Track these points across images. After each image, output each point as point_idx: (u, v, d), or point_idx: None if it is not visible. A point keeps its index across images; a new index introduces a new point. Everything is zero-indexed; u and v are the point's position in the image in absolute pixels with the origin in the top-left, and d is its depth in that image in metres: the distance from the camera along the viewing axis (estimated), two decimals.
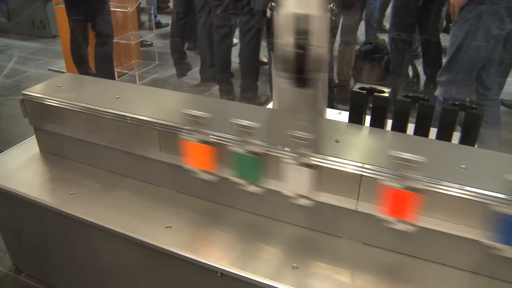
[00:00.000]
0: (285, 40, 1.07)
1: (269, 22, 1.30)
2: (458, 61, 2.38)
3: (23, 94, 1.51)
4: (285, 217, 1.22)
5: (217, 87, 3.67)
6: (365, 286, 1.03)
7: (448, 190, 0.97)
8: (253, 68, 3.33)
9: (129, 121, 1.31)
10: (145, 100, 1.42)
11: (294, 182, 1.10)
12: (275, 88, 1.47)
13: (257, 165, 1.12)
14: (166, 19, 5.90)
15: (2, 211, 1.56)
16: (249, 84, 3.37)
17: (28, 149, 1.63)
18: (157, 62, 4.24)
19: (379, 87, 1.36)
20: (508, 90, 3.31)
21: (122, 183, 1.42)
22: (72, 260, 1.47)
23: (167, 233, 1.20)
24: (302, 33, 1.07)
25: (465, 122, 1.27)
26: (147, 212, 1.28)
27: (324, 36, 1.02)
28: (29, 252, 1.61)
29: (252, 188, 1.15)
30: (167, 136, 1.26)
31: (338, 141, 1.16)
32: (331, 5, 1.22)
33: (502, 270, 1.02)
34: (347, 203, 1.10)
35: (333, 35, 1.26)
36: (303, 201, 1.11)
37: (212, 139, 1.17)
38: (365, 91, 1.35)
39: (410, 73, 3.59)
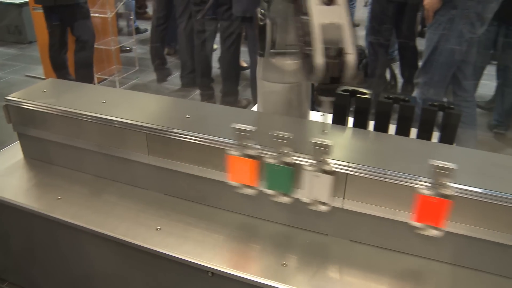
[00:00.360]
0: (317, 50, 1.03)
1: (262, 29, 1.33)
2: (433, 63, 2.46)
3: (7, 99, 1.50)
4: (272, 217, 1.25)
5: (197, 92, 3.69)
6: (353, 281, 1.06)
7: (426, 187, 1.02)
8: (233, 72, 3.36)
9: (116, 125, 1.32)
10: (131, 104, 1.43)
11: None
12: (260, 92, 1.50)
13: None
14: (144, 25, 5.89)
15: None
16: (230, 89, 3.39)
17: (11, 156, 1.62)
18: (137, 67, 4.23)
19: (361, 89, 1.41)
20: (480, 93, 3.43)
21: (110, 187, 1.42)
22: (60, 265, 1.46)
23: (157, 235, 1.21)
24: (333, 42, 1.01)
25: (443, 122, 1.32)
26: (136, 215, 1.29)
27: (352, 43, 1.02)
28: (13, 260, 1.60)
29: (247, 191, 1.18)
30: (155, 139, 1.28)
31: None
32: None
33: None
34: (334, 201, 1.13)
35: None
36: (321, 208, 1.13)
37: (206, 143, 1.19)
38: (348, 93, 1.39)
39: (388, 76, 3.67)
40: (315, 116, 1.71)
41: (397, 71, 3.71)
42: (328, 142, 1.05)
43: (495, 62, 3.50)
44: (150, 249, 1.17)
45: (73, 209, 1.32)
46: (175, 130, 1.24)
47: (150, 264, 1.23)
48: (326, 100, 1.03)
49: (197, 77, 3.54)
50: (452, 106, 1.29)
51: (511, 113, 3.12)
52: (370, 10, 3.45)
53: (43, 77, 3.89)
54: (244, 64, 4.22)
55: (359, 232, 1.17)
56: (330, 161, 1.08)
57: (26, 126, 1.52)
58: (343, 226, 1.17)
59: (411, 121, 1.34)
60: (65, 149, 1.48)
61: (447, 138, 1.31)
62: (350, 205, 1.12)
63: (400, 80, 3.68)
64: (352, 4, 4.86)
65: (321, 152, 1.06)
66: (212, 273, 1.13)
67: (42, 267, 1.52)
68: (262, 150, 1.13)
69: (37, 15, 3.56)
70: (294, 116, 1.46)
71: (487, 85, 3.56)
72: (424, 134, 1.32)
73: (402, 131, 1.34)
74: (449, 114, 1.29)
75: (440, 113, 1.33)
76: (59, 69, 3.13)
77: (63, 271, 1.47)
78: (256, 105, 1.62)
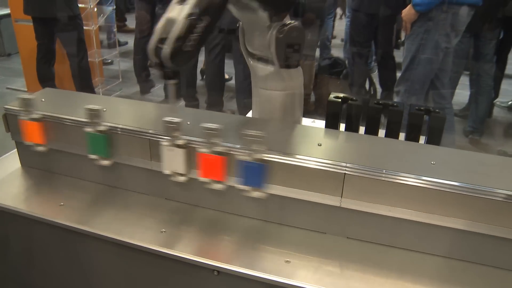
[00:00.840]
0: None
1: None
2: (413, 72, 2.60)
3: (6, 108, 1.52)
4: (273, 218, 1.31)
5: (182, 103, 3.73)
6: (352, 274, 1.13)
7: (420, 183, 1.10)
8: (218, 84, 3.42)
9: (119, 132, 1.36)
10: (132, 111, 1.47)
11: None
12: (255, 99, 1.57)
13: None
14: (124, 38, 5.92)
15: None
16: (215, 100, 3.46)
17: (8, 165, 1.63)
18: (120, 79, 4.25)
19: (351, 96, 1.49)
20: (454, 101, 3.59)
21: (111, 193, 1.45)
22: (63, 272, 1.48)
23: (162, 237, 1.25)
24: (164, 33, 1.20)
25: (430, 125, 1.41)
26: (140, 219, 1.33)
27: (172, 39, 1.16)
28: (13, 268, 1.60)
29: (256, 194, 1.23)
30: (158, 145, 1.32)
31: (320, 145, 1.27)
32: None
33: None
34: (332, 200, 1.20)
35: (282, 52, 1.37)
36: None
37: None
38: (340, 100, 1.47)
39: (367, 85, 3.81)
40: (306, 122, 1.79)
41: (376, 80, 3.85)
42: (177, 120, 1.23)
43: (468, 72, 3.68)
44: (157, 250, 1.21)
45: (77, 215, 1.35)
46: (178, 135, 1.29)
47: (156, 266, 1.27)
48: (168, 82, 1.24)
49: (182, 88, 3.59)
50: (437, 110, 1.39)
51: (485, 120, 3.28)
52: (349, 23, 3.59)
53: (25, 90, 3.87)
54: (226, 76, 4.29)
55: (356, 229, 1.24)
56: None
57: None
58: (340, 224, 1.24)
59: (399, 125, 1.42)
60: (65, 157, 1.50)
61: (434, 140, 1.40)
62: (347, 203, 1.19)
63: (378, 89, 3.82)
64: (330, 17, 5.00)
65: (172, 129, 1.22)
66: (218, 271, 1.17)
67: (44, 274, 1.53)
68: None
69: (20, 27, 3.55)
70: (288, 122, 1.53)
71: (460, 94, 3.73)
72: (412, 137, 1.41)
73: (392, 134, 1.43)
74: (435, 118, 1.38)
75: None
76: (46, 81, 3.13)
77: (67, 277, 1.48)
78: (250, 112, 1.69)
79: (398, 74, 3.79)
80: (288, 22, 1.32)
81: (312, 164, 1.18)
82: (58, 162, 1.54)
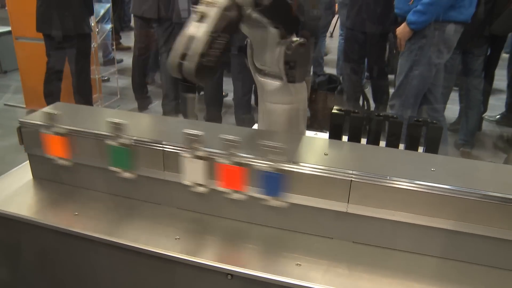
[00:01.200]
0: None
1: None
2: (407, 87, 2.71)
3: (20, 122, 1.58)
4: (281, 225, 1.37)
5: (181, 118, 3.80)
6: (360, 275, 1.19)
7: (422, 188, 1.17)
8: (217, 100, 3.51)
9: (134, 144, 1.42)
10: (144, 124, 1.54)
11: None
12: (261, 112, 1.64)
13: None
14: (119, 55, 6.00)
15: None
16: (214, 115, 3.54)
17: (20, 177, 1.67)
18: (118, 96, 4.31)
19: (353, 109, 1.57)
20: (446, 115, 3.70)
21: (124, 203, 1.50)
22: (79, 281, 1.51)
23: (177, 244, 1.30)
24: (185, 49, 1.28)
25: (427, 136, 1.50)
26: (154, 227, 1.38)
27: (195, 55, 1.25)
28: (26, 279, 1.63)
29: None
30: (171, 156, 1.38)
31: (326, 154, 1.34)
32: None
33: None
34: (339, 206, 1.27)
35: (290, 67, 1.46)
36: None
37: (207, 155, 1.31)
38: (343, 112, 1.55)
39: (361, 100, 3.92)
40: (310, 134, 1.86)
41: (369, 95, 3.97)
42: (197, 132, 1.29)
43: (457, 88, 3.82)
44: (171, 256, 1.26)
45: (92, 223, 1.40)
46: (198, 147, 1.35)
47: (172, 272, 1.31)
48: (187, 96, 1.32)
49: (181, 104, 3.66)
50: (434, 121, 1.47)
51: (475, 133, 3.39)
52: (343, 41, 3.72)
53: (23, 106, 3.91)
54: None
55: (362, 234, 1.30)
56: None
57: (37, 147, 1.59)
58: (347, 229, 1.31)
59: (399, 136, 1.51)
60: (77, 169, 1.56)
61: (432, 149, 1.48)
62: (353, 209, 1.26)
63: (372, 104, 3.93)
64: (323, 35, 5.14)
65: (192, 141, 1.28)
66: (231, 275, 1.23)
67: (57, 283, 1.56)
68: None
69: (21, 44, 3.62)
70: (293, 134, 1.60)
71: (451, 109, 3.85)
72: (411, 147, 1.49)
73: (392, 144, 1.51)
74: (433, 128, 1.46)
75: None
76: (52, 97, 3.19)
77: (81, 286, 1.52)
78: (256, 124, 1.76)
79: (391, 90, 3.95)
80: (295, 39, 1.41)
81: (320, 172, 1.25)
82: (71, 174, 1.59)
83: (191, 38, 1.23)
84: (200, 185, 1.36)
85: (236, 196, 1.33)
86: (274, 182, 1.26)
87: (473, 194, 1.14)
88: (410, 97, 2.71)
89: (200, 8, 1.29)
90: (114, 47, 4.83)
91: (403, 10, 2.76)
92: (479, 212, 1.16)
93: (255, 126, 1.82)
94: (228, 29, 1.23)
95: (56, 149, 1.55)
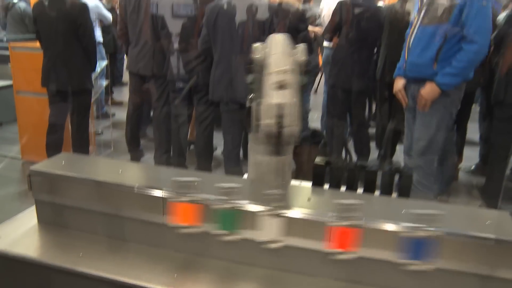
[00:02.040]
0: (267, 122, 1.45)
1: (257, 110, 1.69)
2: (433, 145, 2.85)
3: (31, 170, 1.72)
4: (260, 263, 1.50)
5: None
6: None
7: (394, 228, 1.33)
8: (208, 153, 3.69)
9: (136, 191, 1.57)
10: (145, 173, 1.69)
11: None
12: (251, 163, 1.81)
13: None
14: (111, 109, 6.22)
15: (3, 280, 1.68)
16: (204, 167, 3.70)
17: (26, 221, 1.79)
18: (112, 149, 4.48)
19: (333, 160, 1.75)
20: None
21: (126, 246, 1.62)
22: None
23: (176, 280, 1.43)
24: (280, 116, 1.45)
25: (400, 183, 1.68)
26: (155, 268, 1.50)
27: (295, 117, 1.44)
28: None
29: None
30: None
31: (310, 199, 1.51)
32: None
33: None
34: (320, 245, 1.41)
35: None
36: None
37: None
38: (324, 164, 1.73)
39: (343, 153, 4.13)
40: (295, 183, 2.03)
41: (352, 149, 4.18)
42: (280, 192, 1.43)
43: None
44: None
45: (96, 264, 1.51)
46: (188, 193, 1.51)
47: None
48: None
49: (173, 157, 3.83)
50: (406, 170, 1.66)
51: (451, 182, 3.60)
52: (327, 98, 3.98)
53: (20, 157, 4.04)
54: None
55: (342, 272, 1.44)
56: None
57: (46, 193, 1.72)
58: (327, 267, 1.44)
59: (375, 183, 1.68)
60: (82, 214, 1.68)
61: (404, 194, 1.66)
62: (333, 248, 1.40)
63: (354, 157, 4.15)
64: (306, 92, 5.43)
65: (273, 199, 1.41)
66: None
67: None
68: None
69: (21, 99, 3.85)
70: (279, 184, 1.77)
71: None
72: (386, 192, 1.67)
73: (368, 190, 1.68)
74: (405, 177, 1.65)
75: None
76: (54, 149, 3.33)
77: None
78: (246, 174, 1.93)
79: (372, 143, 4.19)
80: None
81: (303, 216, 1.41)
82: (76, 218, 1.71)
83: (281, 106, 1.42)
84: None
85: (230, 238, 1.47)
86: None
87: (441, 233, 1.30)
88: (436, 154, 2.89)
89: (275, 77, 1.47)
90: (109, 102, 5.06)
91: (425, 74, 2.83)
92: (450, 249, 1.31)
93: (245, 177, 1.99)
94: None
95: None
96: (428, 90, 2.80)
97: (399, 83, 3.11)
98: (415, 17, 2.95)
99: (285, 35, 1.59)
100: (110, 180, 1.61)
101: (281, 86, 1.45)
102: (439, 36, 2.73)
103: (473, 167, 4.40)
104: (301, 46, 1.56)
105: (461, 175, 4.16)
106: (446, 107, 2.84)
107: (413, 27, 2.95)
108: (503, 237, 1.29)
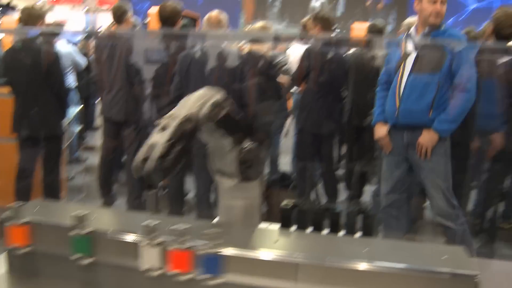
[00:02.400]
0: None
1: None
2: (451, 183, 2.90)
3: (2, 218, 1.74)
4: None
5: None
6: None
7: (357, 266, 1.41)
8: (179, 198, 3.73)
9: (109, 237, 1.61)
10: (115, 219, 1.74)
11: None
12: (221, 207, 1.88)
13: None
14: (83, 154, 6.19)
15: None
16: (177, 212, 3.72)
17: None
18: (84, 194, 4.45)
19: (299, 203, 1.85)
20: None
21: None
22: None
23: None
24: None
25: (363, 222, 1.77)
26: None
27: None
28: None
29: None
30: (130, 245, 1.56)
31: (277, 241, 1.58)
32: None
33: None
34: (288, 285, 1.47)
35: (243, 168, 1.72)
36: None
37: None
38: (290, 206, 1.82)
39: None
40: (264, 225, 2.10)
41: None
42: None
43: None
44: None
45: None
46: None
47: None
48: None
49: (146, 201, 3.84)
50: (368, 210, 1.76)
51: (417, 221, 3.73)
52: (296, 140, 4.11)
53: None
54: None
55: None
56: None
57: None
58: None
59: (338, 223, 1.77)
60: (54, 260, 1.69)
61: (367, 233, 1.75)
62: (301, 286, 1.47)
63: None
64: (276, 136, 5.58)
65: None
66: None
67: None
68: None
69: None
70: (249, 226, 1.84)
71: None
72: (350, 232, 1.76)
73: (333, 231, 1.77)
74: (367, 216, 1.75)
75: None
76: (24, 195, 3.31)
77: None
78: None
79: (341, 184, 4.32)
80: (247, 145, 1.69)
81: (272, 257, 1.47)
82: (48, 266, 1.72)
83: (152, 145, 1.49)
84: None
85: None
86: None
87: (399, 269, 1.39)
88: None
89: (163, 121, 1.57)
90: (81, 147, 5.07)
91: (420, 120, 2.89)
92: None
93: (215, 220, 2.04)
94: (185, 137, 1.51)
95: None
96: (427, 138, 2.87)
97: (382, 129, 3.10)
98: (399, 65, 2.99)
99: (207, 88, 1.68)
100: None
101: (162, 128, 1.54)
102: (434, 84, 2.84)
103: None
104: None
105: (427, 213, 4.30)
106: (446, 151, 2.92)
107: (400, 75, 2.96)
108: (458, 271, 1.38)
